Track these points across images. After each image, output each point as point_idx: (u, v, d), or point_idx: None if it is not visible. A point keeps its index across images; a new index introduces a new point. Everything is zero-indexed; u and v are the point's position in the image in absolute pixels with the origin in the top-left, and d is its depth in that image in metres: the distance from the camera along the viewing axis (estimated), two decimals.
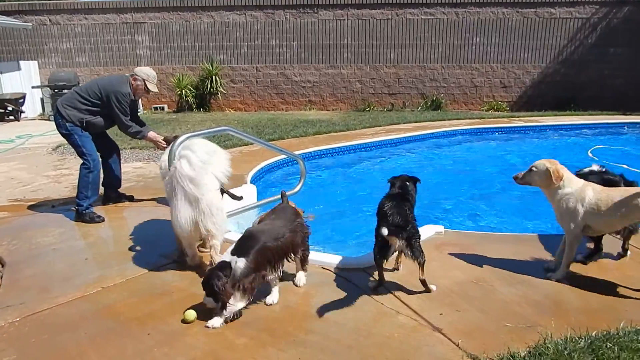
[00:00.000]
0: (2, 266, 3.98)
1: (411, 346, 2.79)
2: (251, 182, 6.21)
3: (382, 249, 3.30)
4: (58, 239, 4.55)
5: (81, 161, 5.09)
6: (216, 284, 2.94)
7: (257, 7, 14.23)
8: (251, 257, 3.05)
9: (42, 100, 13.47)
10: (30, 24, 14.19)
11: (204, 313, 3.06)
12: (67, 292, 3.48)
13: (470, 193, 6.84)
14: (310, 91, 14.84)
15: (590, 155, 8.61)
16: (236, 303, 3.02)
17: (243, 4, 14.19)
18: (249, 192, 5.47)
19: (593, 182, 3.67)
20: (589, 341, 2.69)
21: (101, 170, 5.26)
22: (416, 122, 11.68)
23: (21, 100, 12.85)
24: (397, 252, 3.44)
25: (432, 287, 3.38)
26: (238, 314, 3.07)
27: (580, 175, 3.96)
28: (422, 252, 3.27)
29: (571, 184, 3.50)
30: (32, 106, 13.48)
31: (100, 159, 5.25)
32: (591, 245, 3.95)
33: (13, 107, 12.57)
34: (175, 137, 4.13)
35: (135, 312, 3.20)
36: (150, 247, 4.28)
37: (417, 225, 3.38)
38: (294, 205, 3.84)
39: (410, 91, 14.73)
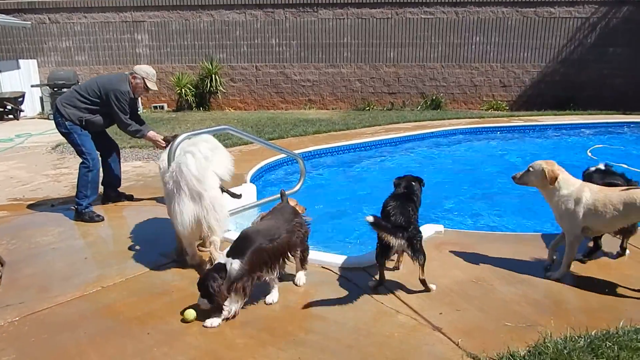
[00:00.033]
0: (2, 265, 3.97)
1: (411, 345, 2.79)
2: (251, 181, 6.21)
3: (384, 248, 3.30)
4: (57, 238, 4.55)
5: (80, 160, 5.09)
6: (211, 286, 2.93)
7: (256, 6, 14.21)
8: (246, 259, 3.04)
9: (41, 99, 13.45)
10: (30, 22, 14.15)
11: (204, 312, 3.06)
12: (67, 292, 3.48)
13: (470, 192, 6.84)
14: (310, 90, 14.83)
15: (590, 154, 8.62)
16: (231, 304, 3.03)
17: (243, 3, 14.17)
18: (248, 191, 5.46)
19: (598, 181, 3.67)
20: (589, 340, 2.69)
21: (101, 169, 5.26)
22: (416, 121, 11.68)
23: (20, 99, 12.84)
24: (399, 251, 3.43)
25: (432, 286, 3.38)
26: (236, 312, 3.07)
27: (587, 173, 3.97)
28: (424, 253, 3.28)
29: (568, 185, 3.49)
30: (31, 105, 13.47)
31: (99, 158, 5.25)
32: (590, 243, 3.95)
33: (12, 105, 12.56)
34: (175, 137, 4.12)
35: (135, 312, 3.20)
36: (150, 247, 4.28)
37: (419, 226, 3.38)
38: (295, 203, 3.83)
39: (410, 90, 14.72)
